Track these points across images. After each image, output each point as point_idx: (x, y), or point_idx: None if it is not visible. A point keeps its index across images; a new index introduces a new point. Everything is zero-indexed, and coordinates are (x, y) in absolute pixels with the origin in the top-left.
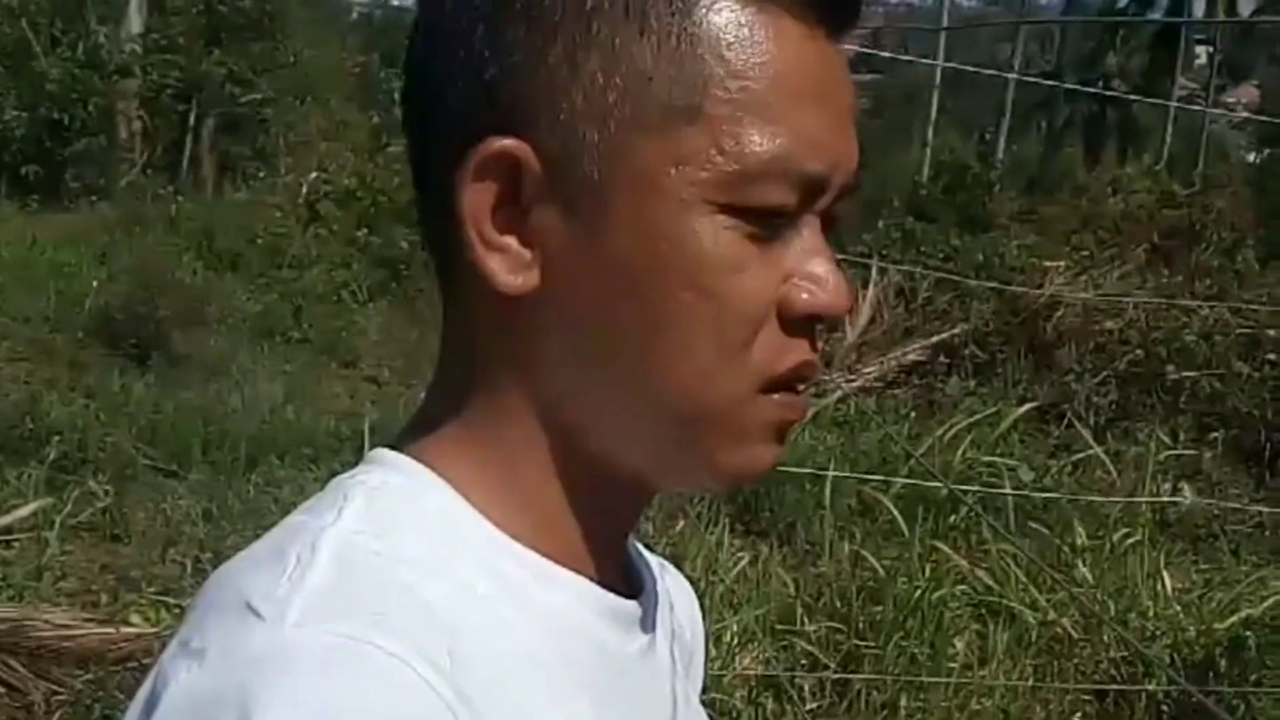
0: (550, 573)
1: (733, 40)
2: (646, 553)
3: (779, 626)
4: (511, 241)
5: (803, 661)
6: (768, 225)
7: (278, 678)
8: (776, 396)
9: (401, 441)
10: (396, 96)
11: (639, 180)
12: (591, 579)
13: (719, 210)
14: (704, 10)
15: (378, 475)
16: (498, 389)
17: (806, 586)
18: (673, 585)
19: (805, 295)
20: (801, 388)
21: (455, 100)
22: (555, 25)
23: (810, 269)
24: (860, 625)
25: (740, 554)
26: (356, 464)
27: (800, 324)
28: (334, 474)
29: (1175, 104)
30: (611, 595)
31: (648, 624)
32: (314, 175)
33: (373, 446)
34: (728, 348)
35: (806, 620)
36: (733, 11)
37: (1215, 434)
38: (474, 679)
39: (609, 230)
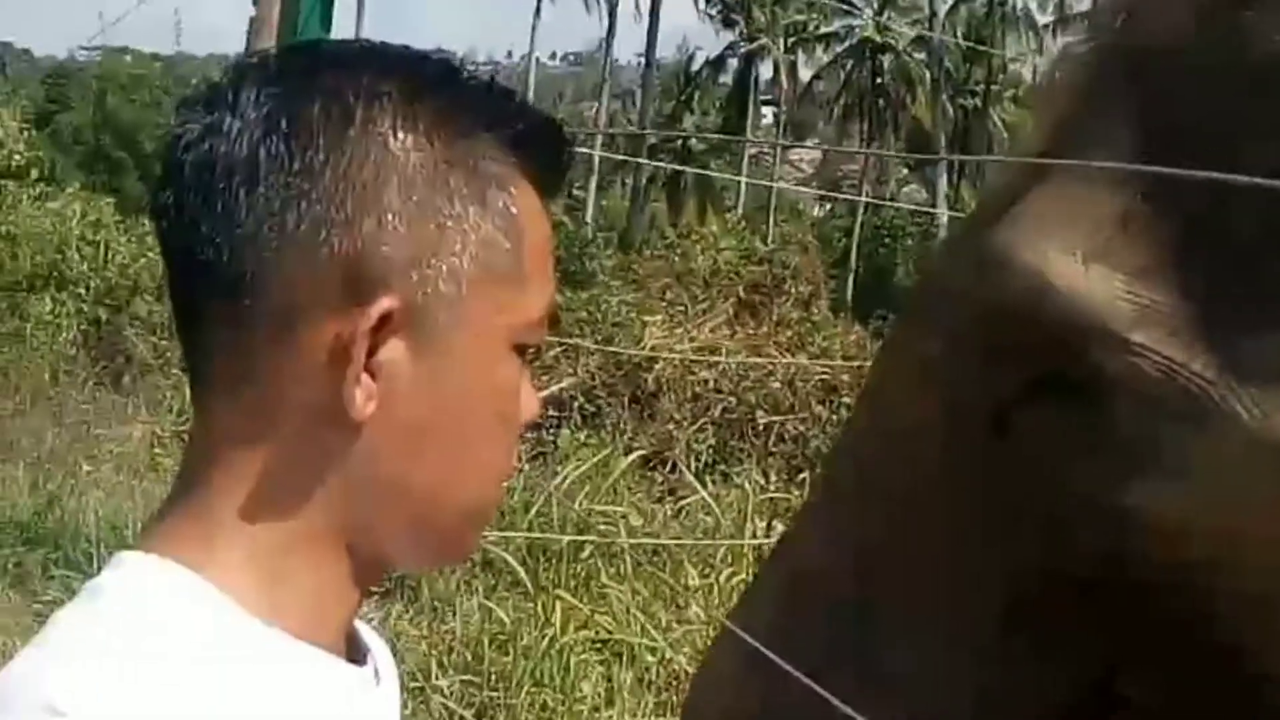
0: (325, 660)
1: (533, 215)
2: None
3: (413, 684)
4: (366, 376)
5: (438, 716)
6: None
7: None
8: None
9: (154, 545)
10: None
11: (477, 327)
12: (340, 655)
13: (514, 350)
14: (513, 194)
15: (136, 580)
16: (288, 503)
17: (437, 642)
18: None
19: (529, 408)
20: None
21: (325, 259)
22: (427, 203)
23: (527, 386)
24: (492, 677)
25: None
26: None
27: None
28: None
29: (743, 178)
30: (356, 668)
31: (377, 680)
32: None
33: None
34: (509, 456)
35: (439, 675)
36: (529, 196)
37: (803, 474)
38: None
39: (449, 365)
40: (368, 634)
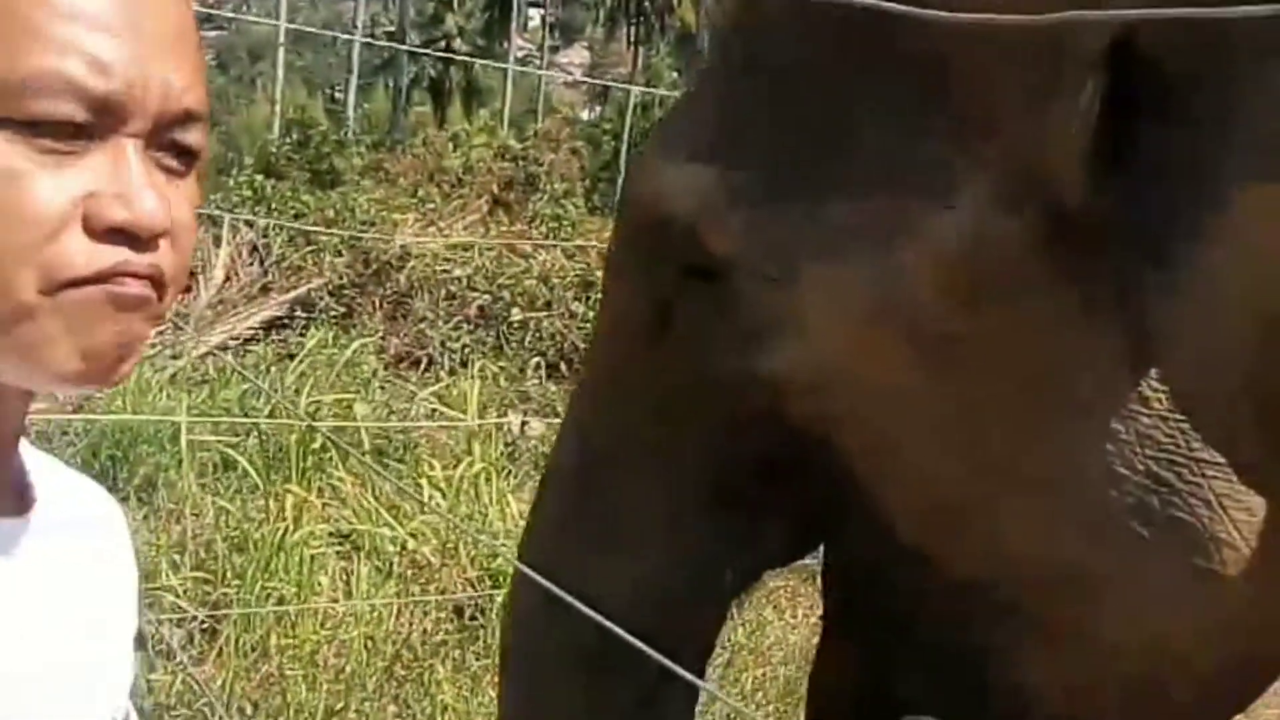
0: None
1: None
2: (70, 476)
3: (146, 586)
4: None
5: (171, 616)
6: (62, 139)
7: None
8: (78, 293)
9: None
10: None
11: None
12: None
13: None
14: None
15: None
16: None
17: (172, 544)
18: (91, 511)
19: (108, 209)
20: (124, 287)
21: None
22: None
23: (117, 186)
24: (227, 574)
25: None
26: None
27: (110, 235)
28: None
29: (510, 66)
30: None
31: (29, 539)
32: None
33: None
34: (11, 252)
35: (171, 575)
36: None
37: (558, 369)
38: None
39: None
40: (67, 491)
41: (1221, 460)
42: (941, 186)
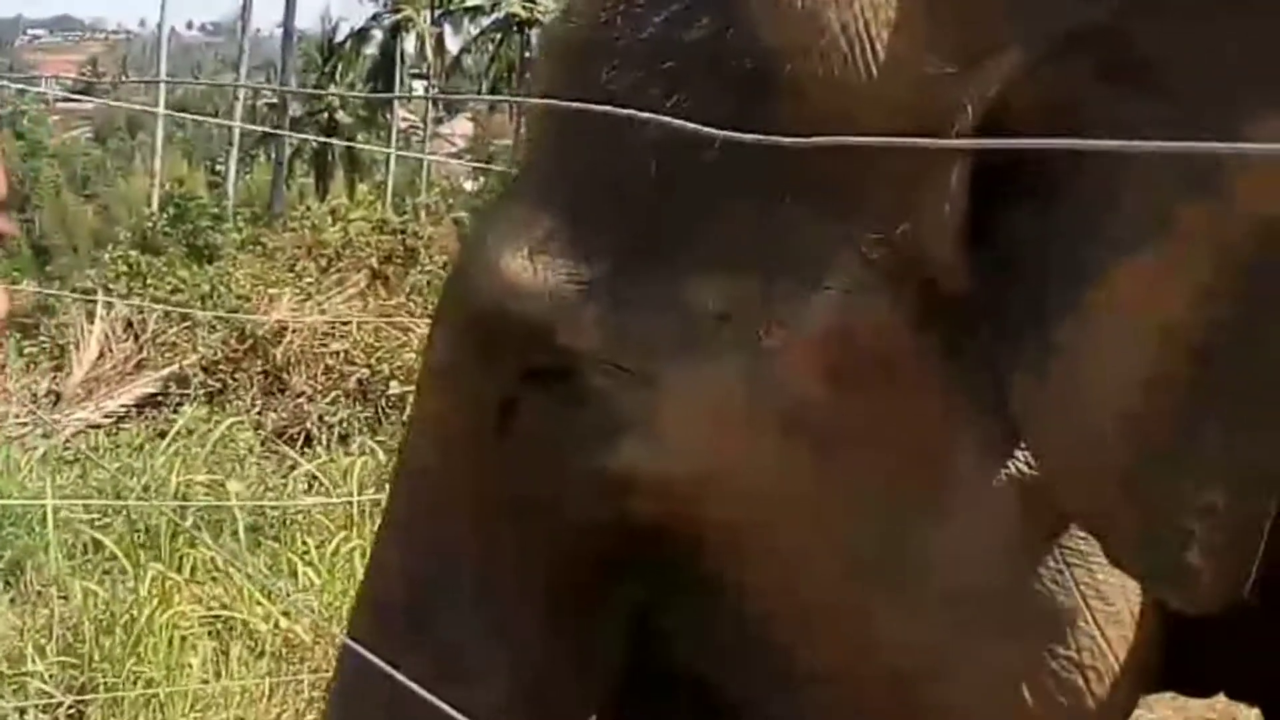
0: None
1: None
2: None
3: (8, 671)
4: None
5: (36, 702)
6: None
7: None
8: None
9: None
10: None
11: None
12: None
13: None
14: None
15: None
16: None
17: (38, 628)
18: None
19: None
20: None
21: None
22: None
23: None
24: (95, 658)
25: None
26: None
27: None
28: None
29: (392, 150)
30: None
31: None
32: None
33: None
34: None
35: (36, 660)
36: None
37: None
38: None
39: None
40: None
41: (1085, 549)
42: (812, 270)
